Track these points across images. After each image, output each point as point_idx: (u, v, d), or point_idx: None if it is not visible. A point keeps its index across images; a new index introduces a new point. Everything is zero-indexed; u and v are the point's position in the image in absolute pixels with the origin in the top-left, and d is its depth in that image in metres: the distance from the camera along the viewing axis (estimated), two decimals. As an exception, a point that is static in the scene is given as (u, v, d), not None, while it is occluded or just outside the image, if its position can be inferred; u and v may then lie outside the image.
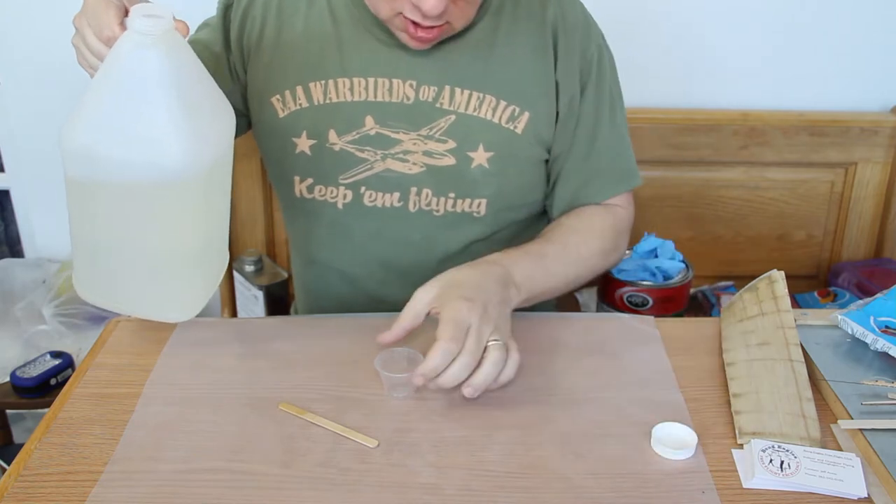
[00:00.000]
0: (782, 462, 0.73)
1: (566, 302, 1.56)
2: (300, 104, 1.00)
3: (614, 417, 0.81)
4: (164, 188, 0.76)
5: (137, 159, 0.74)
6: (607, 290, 1.43)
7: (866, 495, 0.71)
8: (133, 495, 0.71)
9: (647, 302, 1.40)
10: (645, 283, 1.40)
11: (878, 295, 0.97)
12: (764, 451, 0.74)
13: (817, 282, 1.79)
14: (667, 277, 1.43)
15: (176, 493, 0.71)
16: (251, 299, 1.67)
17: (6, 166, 1.80)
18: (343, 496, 0.71)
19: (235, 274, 1.70)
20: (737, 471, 0.74)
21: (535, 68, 1.00)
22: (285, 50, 1.00)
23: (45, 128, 1.72)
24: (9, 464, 0.75)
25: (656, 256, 1.47)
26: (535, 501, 0.70)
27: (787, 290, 0.92)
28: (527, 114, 1.00)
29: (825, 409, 0.83)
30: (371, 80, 0.99)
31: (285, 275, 1.67)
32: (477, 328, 0.80)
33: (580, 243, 1.01)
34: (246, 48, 1.02)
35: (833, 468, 0.73)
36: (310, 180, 1.02)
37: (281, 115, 1.01)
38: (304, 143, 1.01)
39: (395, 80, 0.99)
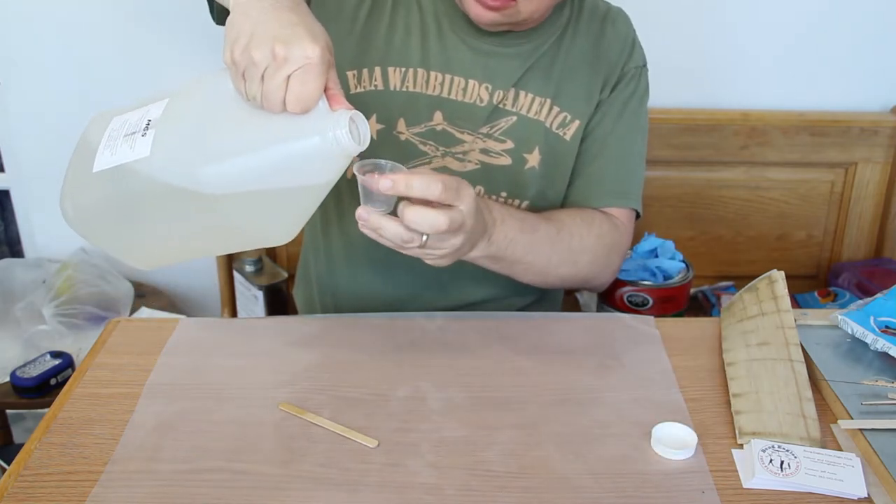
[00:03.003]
0: (782, 462, 0.73)
1: (566, 302, 1.56)
2: (376, 85, 1.00)
3: (614, 417, 0.81)
4: (247, 243, 0.82)
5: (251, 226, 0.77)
6: (608, 290, 1.43)
7: (866, 495, 0.71)
8: (133, 495, 0.70)
9: (648, 302, 1.40)
10: (645, 282, 1.40)
11: (878, 295, 0.97)
12: (764, 451, 0.74)
13: (817, 282, 1.79)
14: (667, 277, 1.43)
15: (176, 493, 0.71)
16: (251, 299, 1.67)
17: (6, 166, 1.80)
18: (343, 496, 0.71)
19: (235, 274, 1.70)
20: (737, 471, 0.74)
21: (588, 83, 1.03)
22: (374, 27, 1.00)
23: (45, 128, 1.73)
24: (9, 464, 0.75)
25: (656, 256, 1.47)
26: (535, 501, 0.70)
27: (787, 290, 0.92)
28: (577, 122, 1.03)
29: (825, 409, 0.83)
30: (448, 76, 0.99)
31: (285, 275, 1.67)
32: (463, 217, 0.78)
33: (575, 234, 1.00)
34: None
35: (833, 468, 0.73)
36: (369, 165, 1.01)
37: (353, 91, 1.00)
38: (371, 127, 0.99)
39: (471, 81, 1.00)
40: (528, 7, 0.91)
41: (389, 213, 0.78)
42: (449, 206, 0.77)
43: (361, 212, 0.77)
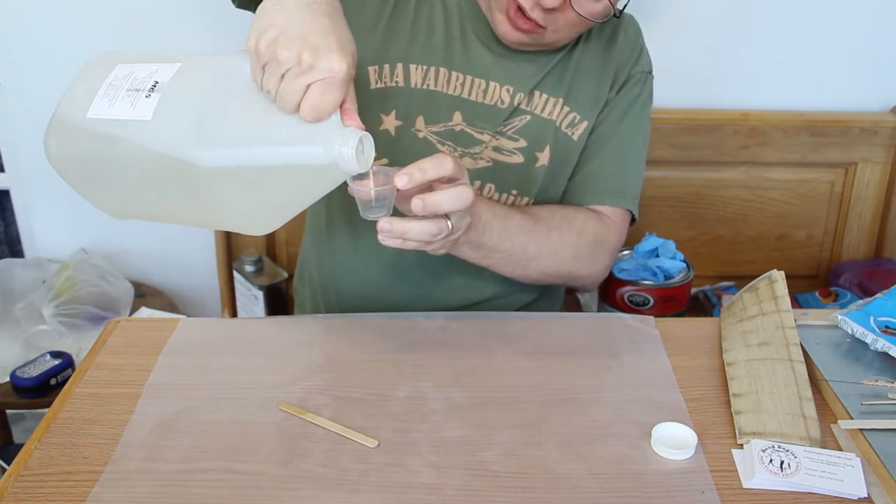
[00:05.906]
0: (782, 462, 0.73)
1: (567, 301, 1.56)
2: (397, 82, 1.00)
3: (614, 417, 0.81)
4: (224, 225, 0.83)
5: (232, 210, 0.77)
6: (608, 290, 1.43)
7: (866, 495, 0.71)
8: (133, 495, 0.71)
9: (648, 301, 1.40)
10: (646, 282, 1.40)
11: (878, 295, 0.97)
12: (764, 451, 0.74)
13: (817, 282, 1.79)
14: (668, 277, 1.43)
15: (176, 493, 0.71)
16: (251, 299, 1.67)
17: (6, 166, 1.80)
18: (343, 496, 0.71)
19: (235, 274, 1.70)
20: (737, 471, 0.74)
21: (598, 85, 1.04)
22: (397, 23, 1.00)
23: (44, 128, 1.73)
24: (9, 464, 0.75)
25: (657, 256, 1.47)
26: (535, 501, 0.70)
27: (787, 290, 0.92)
28: (585, 123, 1.04)
29: (825, 409, 0.83)
30: (469, 77, 1.00)
31: (285, 275, 1.67)
32: (471, 188, 0.78)
33: (553, 228, 0.99)
34: None
35: (833, 468, 0.73)
36: (385, 160, 1.00)
37: (373, 86, 1.00)
38: (390, 122, 1.00)
39: (492, 83, 1.00)
40: (555, 35, 0.94)
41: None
42: (458, 181, 0.78)
43: (384, 223, 0.76)
